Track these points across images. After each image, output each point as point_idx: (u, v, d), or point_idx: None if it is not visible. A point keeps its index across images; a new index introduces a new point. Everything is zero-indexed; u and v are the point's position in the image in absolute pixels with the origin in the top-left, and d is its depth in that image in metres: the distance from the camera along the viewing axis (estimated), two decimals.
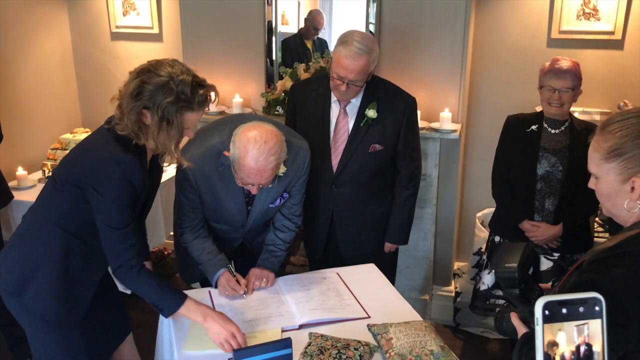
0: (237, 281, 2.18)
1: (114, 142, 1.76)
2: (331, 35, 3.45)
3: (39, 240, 1.86)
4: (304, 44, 3.50)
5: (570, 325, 0.81)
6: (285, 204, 2.29)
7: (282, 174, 2.10)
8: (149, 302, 1.86)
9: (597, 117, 3.08)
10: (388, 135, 2.45)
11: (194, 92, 1.71)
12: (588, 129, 2.58)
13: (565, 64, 2.47)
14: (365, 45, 2.26)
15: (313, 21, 3.44)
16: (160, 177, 2.09)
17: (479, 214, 3.49)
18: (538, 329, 0.80)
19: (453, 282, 3.58)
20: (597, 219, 3.02)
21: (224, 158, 2.04)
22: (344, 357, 1.67)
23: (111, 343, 2.13)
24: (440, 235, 3.43)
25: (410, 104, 2.48)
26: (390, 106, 2.44)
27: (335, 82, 2.32)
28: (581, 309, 0.81)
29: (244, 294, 2.16)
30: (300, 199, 2.30)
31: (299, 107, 2.55)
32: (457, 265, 3.66)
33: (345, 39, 2.29)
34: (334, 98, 2.45)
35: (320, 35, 3.45)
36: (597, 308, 0.82)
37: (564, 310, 0.80)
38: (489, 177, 3.45)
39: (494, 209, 3.48)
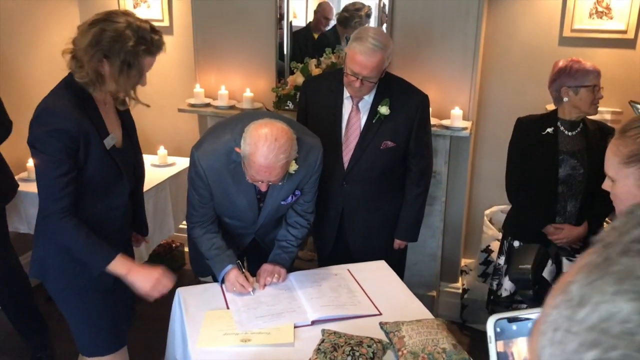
0: (246, 278, 2.19)
1: (50, 93, 1.86)
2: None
3: (46, 229, 1.92)
4: (312, 36, 3.50)
5: (523, 340, 0.84)
6: (298, 201, 2.30)
7: (293, 172, 2.11)
8: (78, 257, 1.91)
9: (608, 117, 3.08)
10: (400, 132, 2.45)
11: (152, 37, 1.82)
12: (601, 129, 2.58)
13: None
14: (380, 42, 2.26)
15: (323, 12, 3.44)
16: (133, 126, 2.16)
17: (487, 212, 3.50)
18: (491, 346, 0.82)
19: (460, 278, 3.60)
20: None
21: (235, 155, 2.05)
22: (357, 354, 1.69)
23: (126, 329, 2.22)
24: (449, 232, 3.44)
25: (422, 101, 2.48)
26: (403, 103, 2.44)
27: (350, 78, 2.33)
28: (529, 325, 0.83)
29: (252, 291, 2.17)
30: (313, 196, 2.31)
31: (310, 103, 2.55)
32: (464, 262, 3.68)
33: (359, 35, 2.29)
34: (346, 94, 2.45)
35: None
36: None
37: (514, 327, 0.83)
38: (498, 175, 3.45)
39: (502, 206, 3.50)
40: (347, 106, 2.48)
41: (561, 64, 2.51)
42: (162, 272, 1.94)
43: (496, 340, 0.82)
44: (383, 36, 2.31)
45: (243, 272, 2.21)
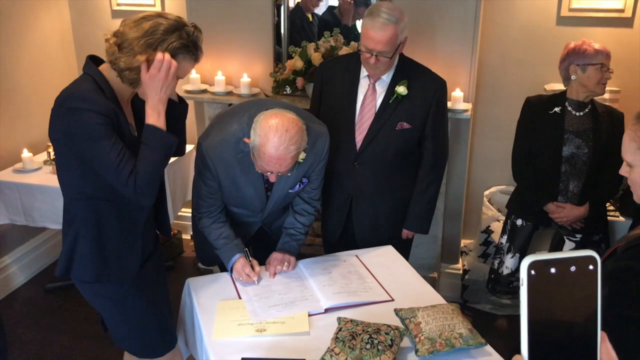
0: (252, 267, 2.19)
1: (73, 82, 1.78)
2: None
3: (72, 220, 1.88)
4: (307, 18, 3.46)
5: None
6: (305, 189, 2.29)
7: (301, 160, 2.09)
8: (167, 159, 1.87)
9: (607, 96, 3.09)
10: (416, 115, 2.42)
11: (199, 44, 1.82)
12: (609, 112, 2.61)
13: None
14: (392, 15, 2.23)
15: None
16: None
17: (486, 192, 3.52)
18: (523, 289, 0.73)
19: (460, 259, 3.62)
20: None
21: (243, 145, 2.03)
22: (376, 341, 1.69)
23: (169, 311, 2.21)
24: (449, 214, 3.45)
25: (440, 86, 2.45)
26: (421, 86, 2.41)
27: (364, 55, 2.30)
28: (573, 269, 0.74)
29: (257, 280, 2.16)
30: (319, 183, 2.30)
31: (326, 84, 2.52)
32: (463, 242, 3.70)
33: (372, 11, 2.27)
34: (363, 74, 2.43)
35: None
36: (591, 267, 0.74)
37: (553, 270, 0.73)
38: (496, 156, 3.48)
39: (500, 187, 3.52)
40: (363, 85, 2.45)
41: (572, 44, 2.54)
42: (149, 73, 1.76)
43: (529, 283, 0.73)
44: (395, 10, 2.27)
45: (249, 261, 2.20)
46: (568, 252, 0.75)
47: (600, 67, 2.48)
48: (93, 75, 1.77)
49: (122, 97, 1.84)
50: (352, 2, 3.37)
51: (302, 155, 2.07)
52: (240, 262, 2.18)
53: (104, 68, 1.80)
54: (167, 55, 1.72)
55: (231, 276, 2.21)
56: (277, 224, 2.42)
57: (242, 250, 2.22)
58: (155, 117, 1.78)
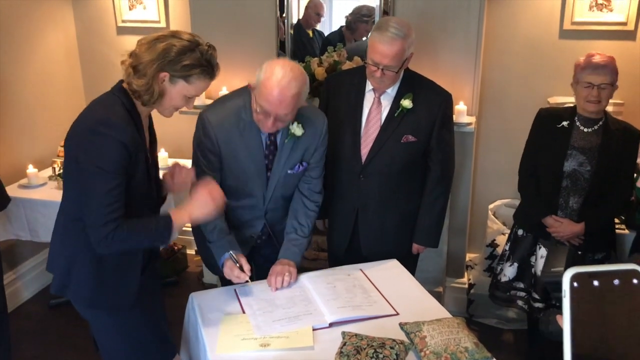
0: (241, 267, 2.15)
1: (102, 104, 1.80)
2: (331, 26, 3.48)
3: (70, 241, 1.88)
4: (307, 34, 3.49)
5: None
6: (304, 179, 2.30)
7: (299, 134, 2.16)
8: (145, 246, 1.92)
9: (610, 108, 3.09)
10: (422, 128, 2.42)
11: (214, 62, 1.85)
12: (623, 129, 2.54)
13: (601, 58, 2.43)
14: (400, 30, 2.25)
15: (315, 7, 3.44)
16: (156, 140, 2.08)
17: (491, 206, 3.51)
18: (565, 301, 0.73)
19: (466, 273, 3.60)
20: None
21: (245, 114, 2.12)
22: (381, 356, 1.68)
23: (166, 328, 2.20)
24: (454, 228, 3.44)
25: (446, 98, 2.46)
26: (426, 99, 2.42)
27: (371, 68, 2.32)
28: (616, 282, 0.73)
29: (247, 280, 2.13)
30: (320, 172, 2.32)
31: (332, 98, 2.54)
32: (468, 256, 3.68)
33: (380, 25, 2.30)
34: (368, 87, 2.44)
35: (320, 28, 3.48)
36: (635, 281, 0.73)
37: (596, 283, 0.72)
38: (501, 169, 3.48)
39: (505, 200, 3.51)
40: (368, 99, 2.46)
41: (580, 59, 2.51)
42: (205, 189, 1.91)
43: (572, 296, 0.72)
44: (404, 25, 2.28)
45: (237, 262, 2.15)
46: (612, 265, 0.75)
47: (585, 85, 2.43)
48: (122, 98, 1.79)
49: (142, 115, 1.88)
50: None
51: (301, 131, 2.14)
52: (227, 265, 2.16)
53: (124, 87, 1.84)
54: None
55: (235, 290, 2.20)
56: (281, 226, 2.40)
57: (235, 247, 2.19)
58: (180, 219, 1.86)
